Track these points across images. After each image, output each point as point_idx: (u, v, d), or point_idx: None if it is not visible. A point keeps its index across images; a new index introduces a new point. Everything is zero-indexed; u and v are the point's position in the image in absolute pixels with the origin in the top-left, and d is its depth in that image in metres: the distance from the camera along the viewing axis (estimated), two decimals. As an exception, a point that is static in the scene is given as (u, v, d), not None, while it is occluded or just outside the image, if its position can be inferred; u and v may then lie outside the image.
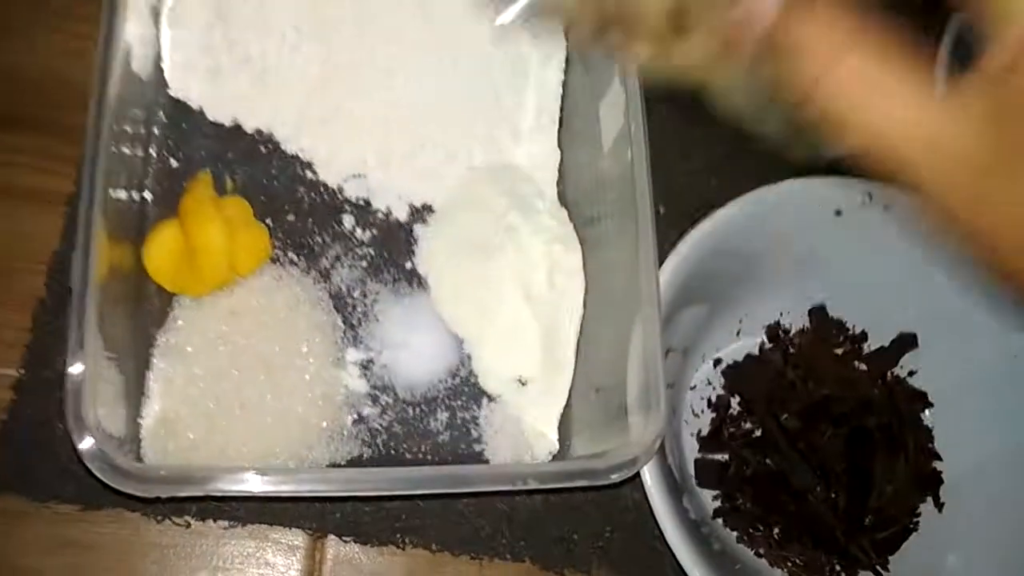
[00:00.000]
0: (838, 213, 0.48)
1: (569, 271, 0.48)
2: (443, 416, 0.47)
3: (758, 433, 0.48)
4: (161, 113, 0.48)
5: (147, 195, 0.46)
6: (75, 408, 0.35)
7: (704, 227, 0.45)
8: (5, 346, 0.45)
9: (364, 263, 0.49)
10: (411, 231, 0.50)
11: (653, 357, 0.40)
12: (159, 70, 0.48)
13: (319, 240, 0.48)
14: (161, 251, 0.43)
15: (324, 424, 0.44)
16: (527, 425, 0.46)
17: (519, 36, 0.51)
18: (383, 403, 0.46)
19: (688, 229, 0.45)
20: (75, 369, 0.36)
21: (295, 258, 0.48)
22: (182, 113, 0.48)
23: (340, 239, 0.49)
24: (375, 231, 0.49)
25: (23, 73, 0.49)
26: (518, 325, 0.48)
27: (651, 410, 0.39)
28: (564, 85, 0.52)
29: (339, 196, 0.49)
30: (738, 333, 0.52)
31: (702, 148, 0.55)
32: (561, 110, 0.52)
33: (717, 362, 0.51)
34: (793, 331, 0.52)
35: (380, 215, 0.50)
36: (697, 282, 0.46)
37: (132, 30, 0.44)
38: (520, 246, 0.49)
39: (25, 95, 0.49)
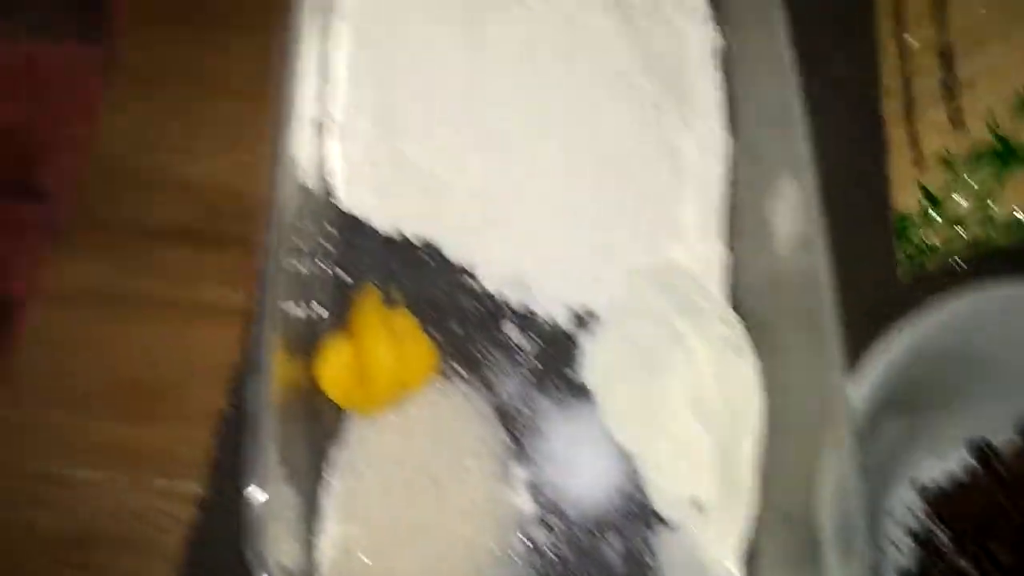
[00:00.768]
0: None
1: (744, 383, 0.45)
2: (615, 542, 0.44)
3: (970, 570, 0.43)
4: (330, 226, 0.49)
5: (318, 309, 0.47)
6: (254, 543, 0.35)
7: (910, 332, 0.41)
8: (185, 462, 0.46)
9: (528, 374, 0.47)
10: (574, 339, 0.48)
11: (850, 488, 0.37)
12: (329, 184, 0.49)
13: (482, 350, 0.48)
14: (333, 367, 0.43)
15: (493, 547, 0.43)
16: (707, 555, 0.43)
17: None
18: (551, 525, 0.44)
19: (875, 334, 0.42)
20: (255, 498, 0.36)
21: (460, 370, 0.47)
22: (350, 225, 0.49)
23: (503, 348, 0.48)
24: (538, 339, 0.48)
25: (202, 189, 0.51)
26: (690, 441, 0.45)
27: (850, 551, 0.36)
28: (729, 180, 0.51)
29: (501, 303, 0.49)
30: (940, 453, 0.47)
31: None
32: (730, 205, 0.51)
33: (918, 486, 0.46)
34: (1003, 450, 0.47)
35: (542, 322, 0.49)
36: (898, 394, 0.42)
37: (302, 145, 0.46)
38: (689, 355, 0.46)
39: (203, 210, 0.51)
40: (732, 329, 0.47)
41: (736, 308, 0.48)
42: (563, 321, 0.48)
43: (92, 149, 0.50)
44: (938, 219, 0.49)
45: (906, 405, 0.44)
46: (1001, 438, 0.47)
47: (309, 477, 0.44)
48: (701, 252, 0.49)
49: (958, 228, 0.49)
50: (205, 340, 0.48)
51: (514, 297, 0.49)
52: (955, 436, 0.47)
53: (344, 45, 0.49)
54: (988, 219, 0.48)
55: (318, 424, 0.45)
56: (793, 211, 0.42)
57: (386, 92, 0.48)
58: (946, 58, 0.51)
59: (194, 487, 0.45)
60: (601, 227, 0.48)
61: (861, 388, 0.40)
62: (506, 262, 0.49)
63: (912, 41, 0.53)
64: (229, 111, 0.52)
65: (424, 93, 0.48)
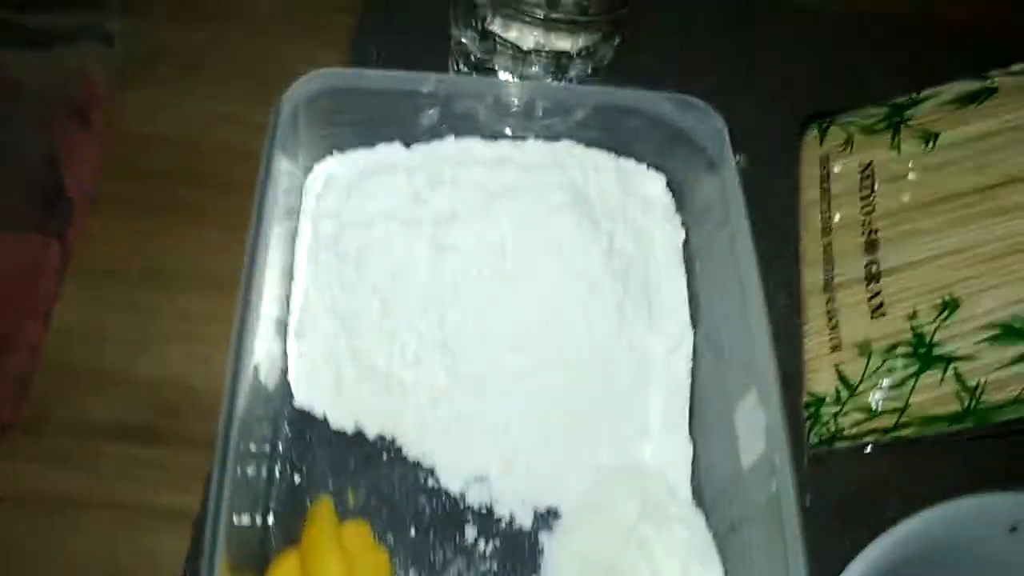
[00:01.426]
0: (1013, 529, 0.43)
1: (712, 599, 0.44)
2: None
3: None
4: (286, 425, 0.48)
5: (269, 518, 0.45)
6: None
7: (875, 549, 0.40)
8: None
9: (488, 581, 0.46)
10: (536, 541, 0.47)
11: None
12: (285, 382, 0.48)
13: (440, 556, 0.46)
14: (281, 587, 0.42)
15: None
16: None
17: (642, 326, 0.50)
18: None
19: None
20: None
21: (415, 578, 0.46)
22: (306, 424, 0.48)
23: (462, 553, 0.46)
24: (498, 542, 0.46)
25: (153, 384, 0.50)
26: (656, 658, 0.44)
27: None
28: (693, 374, 0.50)
29: (461, 504, 0.47)
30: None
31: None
32: (691, 399, 0.50)
33: None
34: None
35: (503, 523, 0.47)
36: None
37: (259, 343, 0.45)
38: (654, 565, 0.45)
39: (155, 406, 0.49)
40: (698, 537, 0.45)
41: (701, 503, 0.47)
42: (525, 521, 0.47)
43: (44, 345, 0.49)
44: (851, 405, 0.49)
45: None
46: None
47: None
48: (667, 447, 0.48)
49: (870, 416, 0.48)
50: (154, 549, 0.46)
51: (475, 497, 0.47)
52: None
53: (308, 246, 0.49)
54: (900, 411, 0.48)
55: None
56: (756, 425, 0.42)
57: (347, 292, 0.48)
58: (870, 241, 0.52)
59: None
60: (567, 425, 0.47)
61: None
62: (468, 461, 0.47)
63: (836, 215, 0.54)
64: (185, 304, 0.52)
65: (385, 294, 0.47)
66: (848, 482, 0.51)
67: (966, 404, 0.46)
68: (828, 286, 0.52)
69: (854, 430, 0.49)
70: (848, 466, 0.51)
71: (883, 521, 0.49)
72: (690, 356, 0.50)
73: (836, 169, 0.55)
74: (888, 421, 0.48)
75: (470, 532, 0.47)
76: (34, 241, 0.49)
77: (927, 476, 0.51)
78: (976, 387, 0.46)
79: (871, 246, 0.52)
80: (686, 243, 0.52)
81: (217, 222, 0.53)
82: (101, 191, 0.55)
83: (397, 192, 0.48)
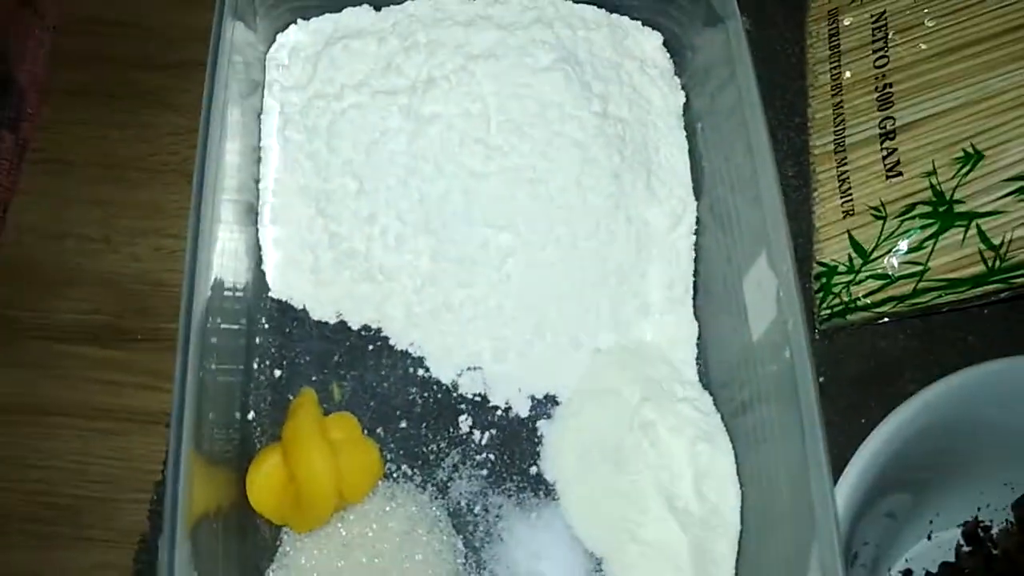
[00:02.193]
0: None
1: (720, 477, 0.41)
2: (583, 656, 0.41)
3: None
4: (263, 319, 0.45)
5: (250, 415, 0.43)
6: None
7: (904, 413, 0.38)
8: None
9: (484, 471, 0.43)
10: (535, 429, 0.44)
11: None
12: (259, 272, 0.45)
13: (434, 448, 0.44)
14: (264, 484, 0.39)
15: (447, 674, 0.39)
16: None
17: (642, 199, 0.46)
18: (514, 641, 0.41)
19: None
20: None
21: (409, 471, 0.43)
22: (285, 315, 0.45)
23: (457, 444, 0.44)
24: (494, 431, 0.44)
25: (124, 282, 0.47)
26: (663, 542, 0.41)
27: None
28: (696, 248, 0.47)
29: (454, 393, 0.45)
30: (930, 536, 0.44)
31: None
32: (695, 275, 0.47)
33: (907, 572, 0.43)
34: (995, 529, 0.44)
35: (499, 412, 0.44)
36: (889, 480, 0.39)
37: (227, 230, 0.42)
38: (659, 446, 0.42)
39: (126, 305, 0.46)
40: (705, 417, 0.43)
41: (708, 386, 0.45)
42: (522, 409, 0.45)
43: (1, 244, 0.46)
44: (865, 272, 0.46)
45: (894, 491, 0.41)
46: (992, 517, 0.45)
47: (243, 604, 0.40)
48: (670, 327, 0.46)
49: (886, 283, 0.45)
50: (130, 451, 0.44)
51: (468, 386, 0.45)
52: (946, 516, 0.44)
53: (275, 123, 0.45)
54: (919, 276, 0.45)
55: (251, 540, 0.41)
56: (767, 291, 0.39)
57: (320, 172, 0.44)
58: (884, 97, 0.48)
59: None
60: (561, 307, 0.44)
61: (858, 464, 0.37)
62: (459, 349, 0.44)
63: (846, 72, 0.50)
64: (150, 195, 0.48)
65: (361, 172, 0.43)
66: (862, 357, 0.48)
67: (990, 264, 0.43)
68: (839, 148, 0.48)
69: (868, 299, 0.46)
70: (861, 340, 0.49)
71: (901, 397, 0.47)
72: (693, 228, 0.46)
73: (846, 22, 0.51)
74: (906, 287, 0.45)
75: (464, 422, 0.44)
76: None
77: (945, 348, 0.48)
78: (1001, 245, 0.42)
79: (885, 101, 0.47)
80: (686, 107, 0.48)
81: (180, 107, 0.50)
82: (53, 79, 0.51)
83: (368, 59, 0.44)
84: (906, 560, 0.44)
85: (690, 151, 0.47)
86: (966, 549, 0.43)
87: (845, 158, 0.48)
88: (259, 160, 0.45)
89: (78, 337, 0.45)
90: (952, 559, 0.44)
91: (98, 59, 0.51)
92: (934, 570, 0.43)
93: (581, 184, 0.43)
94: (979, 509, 0.44)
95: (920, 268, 0.44)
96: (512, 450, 0.44)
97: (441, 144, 0.43)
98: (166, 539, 0.32)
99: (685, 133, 0.47)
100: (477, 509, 0.43)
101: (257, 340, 0.44)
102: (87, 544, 0.42)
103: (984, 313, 0.48)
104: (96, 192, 0.48)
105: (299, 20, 0.46)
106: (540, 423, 0.44)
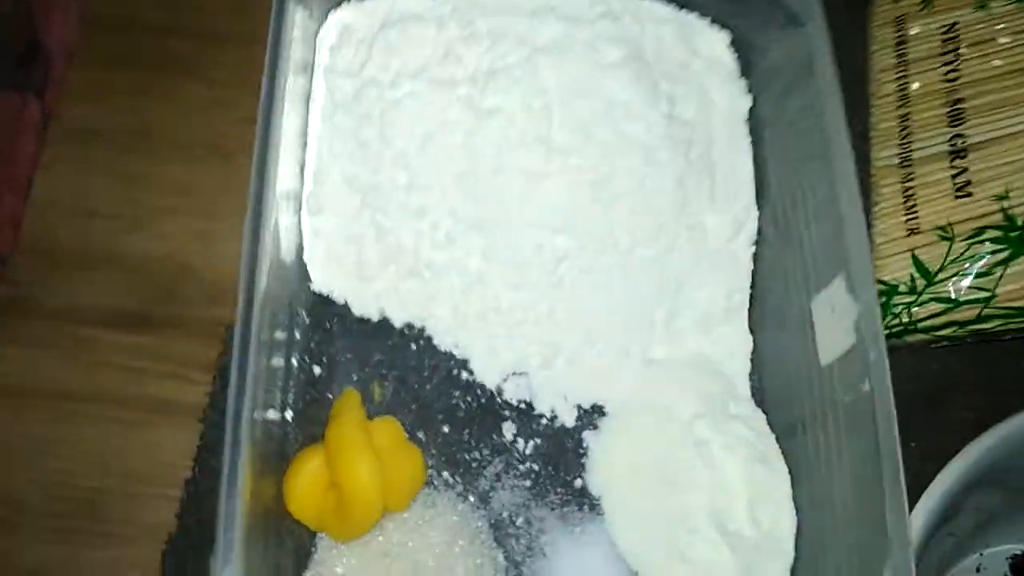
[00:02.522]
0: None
1: (776, 501, 0.40)
2: None
3: None
4: (303, 312, 0.42)
5: (287, 413, 0.41)
6: None
7: (973, 451, 0.37)
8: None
9: (527, 482, 0.42)
10: (580, 440, 0.43)
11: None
12: (300, 264, 0.43)
13: (477, 455, 0.42)
14: (305, 490, 0.37)
15: None
16: None
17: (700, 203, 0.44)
18: (555, 662, 0.39)
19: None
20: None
21: (450, 479, 0.41)
22: (325, 310, 0.43)
23: (500, 452, 0.42)
24: (539, 440, 0.43)
25: (149, 264, 0.45)
26: (712, 564, 0.40)
27: None
28: (756, 259, 0.45)
29: (498, 399, 0.43)
30: (978, 569, 0.43)
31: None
32: (752, 287, 0.45)
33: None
34: (1048, 565, 0.43)
35: (544, 421, 0.43)
36: (959, 507, 0.38)
37: (272, 219, 0.39)
38: (713, 466, 0.41)
39: (154, 289, 0.44)
40: (761, 437, 0.41)
41: (762, 404, 0.43)
42: (568, 419, 0.43)
43: (24, 219, 0.43)
44: (928, 294, 0.44)
45: (972, 510, 0.40)
46: None
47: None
48: (726, 340, 0.44)
49: (949, 307, 0.44)
50: (155, 444, 0.42)
51: (513, 392, 0.43)
52: (995, 551, 0.44)
53: (323, 107, 0.42)
54: (985, 302, 0.43)
55: (285, 546, 0.39)
56: (842, 316, 0.37)
57: (369, 162, 0.42)
58: (955, 112, 0.46)
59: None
60: (615, 314, 0.42)
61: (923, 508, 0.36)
62: (506, 353, 0.42)
63: (914, 82, 0.48)
64: (181, 173, 0.46)
65: (414, 165, 0.41)
66: (913, 379, 0.47)
67: (1061, 295, 0.42)
68: (905, 163, 0.47)
69: (930, 322, 0.44)
70: (914, 362, 0.47)
71: (951, 423, 0.46)
72: (753, 239, 0.44)
73: (914, 31, 0.49)
74: (970, 313, 0.43)
75: (508, 430, 0.43)
76: (10, 100, 0.42)
77: (998, 375, 0.47)
78: (1073, 276, 0.41)
79: (956, 117, 0.46)
80: (751, 111, 0.45)
81: (214, 79, 0.47)
82: (82, 45, 0.48)
83: (426, 46, 0.41)
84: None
85: (754, 158, 0.45)
86: (1013, 580, 0.43)
87: (911, 173, 0.46)
88: (304, 145, 0.43)
89: (102, 321, 0.43)
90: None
91: (131, 26, 0.49)
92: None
93: (644, 188, 0.41)
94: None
95: (987, 294, 0.43)
96: (557, 461, 0.42)
97: (501, 140, 0.40)
98: (220, 549, 0.30)
99: (750, 139, 0.45)
100: (519, 521, 0.41)
101: (296, 335, 0.42)
102: (106, 540, 0.40)
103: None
104: (123, 165, 0.46)
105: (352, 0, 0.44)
106: (586, 434, 0.43)
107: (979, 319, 0.43)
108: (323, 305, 0.43)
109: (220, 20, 0.49)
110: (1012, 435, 0.37)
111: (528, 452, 0.42)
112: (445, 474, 0.41)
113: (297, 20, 0.41)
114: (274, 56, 0.37)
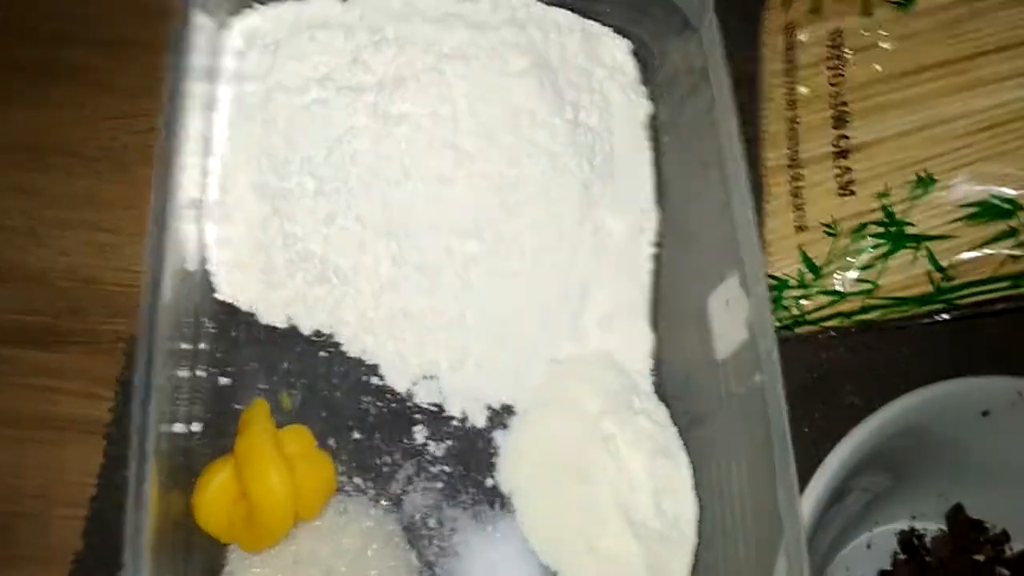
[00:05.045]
0: (985, 414, 0.42)
1: (678, 491, 0.42)
2: (540, 673, 0.40)
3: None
4: (208, 322, 0.42)
5: (194, 426, 0.40)
6: None
7: (858, 435, 0.39)
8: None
9: (439, 484, 0.42)
10: (491, 440, 0.43)
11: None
12: (204, 273, 0.42)
13: (388, 459, 0.42)
14: (214, 502, 0.37)
15: None
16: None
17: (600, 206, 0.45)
18: (471, 660, 0.40)
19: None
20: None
21: (362, 484, 0.42)
22: (231, 319, 0.42)
23: (412, 455, 0.43)
24: (451, 442, 0.43)
25: (53, 278, 0.44)
26: (620, 555, 0.41)
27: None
28: (656, 259, 0.46)
29: (409, 403, 0.43)
30: (869, 546, 0.45)
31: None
32: (653, 286, 0.46)
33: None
34: (928, 538, 0.46)
35: (455, 423, 0.43)
36: (846, 490, 0.40)
37: (176, 228, 0.39)
38: (619, 460, 0.42)
39: (58, 304, 0.43)
40: (664, 430, 0.43)
41: (664, 398, 0.45)
42: (478, 420, 0.44)
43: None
44: (815, 287, 0.47)
45: (841, 507, 0.42)
46: (926, 526, 0.47)
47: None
48: (629, 338, 0.45)
49: (835, 299, 0.46)
50: (64, 462, 0.41)
51: (424, 395, 0.43)
52: (885, 527, 0.46)
53: (229, 114, 0.42)
54: (867, 293, 0.46)
55: (195, 562, 0.38)
56: (735, 312, 0.39)
57: (276, 169, 0.42)
58: (840, 115, 0.48)
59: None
60: (523, 315, 0.43)
61: (825, 473, 0.38)
62: (416, 357, 0.43)
63: (801, 87, 0.50)
64: (82, 185, 0.45)
65: (321, 171, 0.41)
66: (804, 368, 0.50)
67: (937, 285, 0.44)
68: (793, 163, 0.49)
69: (817, 314, 0.46)
70: (804, 352, 0.50)
71: (841, 408, 0.48)
72: (653, 240, 0.46)
73: (802, 38, 0.51)
74: (854, 304, 0.46)
75: (420, 433, 0.43)
76: None
77: (883, 361, 0.50)
78: (948, 267, 0.44)
79: (840, 120, 0.48)
80: (651, 117, 0.47)
81: (116, 87, 0.46)
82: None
83: (334, 52, 0.42)
84: (846, 568, 0.45)
85: (653, 162, 0.47)
86: (902, 557, 0.45)
87: (799, 173, 0.48)
88: (209, 152, 0.42)
89: (7, 339, 0.42)
90: (888, 567, 0.46)
91: (25, 32, 0.47)
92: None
93: (550, 194, 0.42)
94: (914, 518, 0.46)
95: (870, 286, 0.45)
96: (468, 462, 0.43)
97: (408, 146, 0.41)
98: (129, 565, 0.30)
99: (650, 144, 0.47)
100: (432, 523, 0.42)
101: (201, 345, 0.41)
102: (18, 563, 0.39)
103: (922, 330, 0.50)
104: (25, 179, 0.44)
105: (257, 5, 0.43)
106: (496, 434, 0.44)
107: (863, 310, 0.46)
108: (229, 314, 0.42)
109: (121, 27, 0.47)
110: (895, 418, 0.40)
111: (440, 454, 0.43)
112: (357, 479, 0.42)
113: (201, 26, 0.40)
114: (177, 63, 0.37)
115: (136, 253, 0.35)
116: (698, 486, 0.42)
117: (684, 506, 0.42)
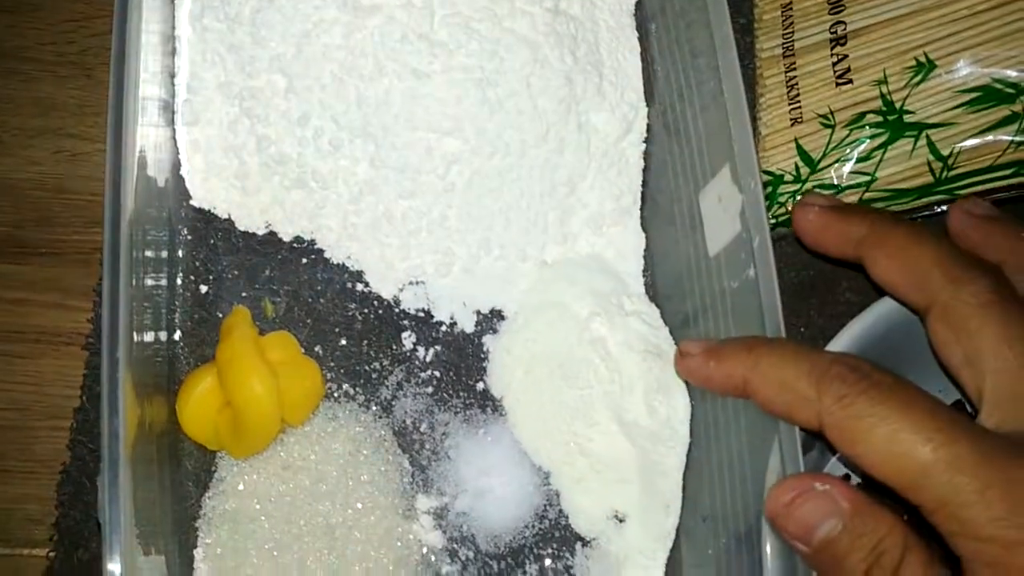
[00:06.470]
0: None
1: (670, 391, 0.41)
2: (532, 569, 0.40)
3: None
4: (184, 229, 0.41)
5: (176, 335, 0.40)
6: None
7: (854, 328, 0.39)
8: (33, 523, 0.39)
9: (429, 389, 0.42)
10: (481, 344, 0.43)
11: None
12: (178, 178, 0.41)
13: (376, 365, 0.42)
14: (198, 410, 0.36)
15: (398, 593, 0.38)
16: (630, 572, 0.40)
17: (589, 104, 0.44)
18: (463, 558, 0.40)
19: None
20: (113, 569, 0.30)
21: (351, 390, 0.41)
22: (207, 225, 0.41)
23: (401, 361, 0.42)
24: (439, 348, 0.43)
25: (21, 188, 0.42)
26: (613, 455, 0.41)
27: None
28: (645, 156, 0.45)
29: (396, 309, 0.43)
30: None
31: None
32: (643, 184, 0.45)
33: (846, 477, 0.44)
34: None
35: (444, 328, 0.43)
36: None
37: (143, 131, 0.37)
38: (610, 361, 0.42)
39: (27, 214, 0.42)
40: (654, 331, 0.42)
41: (655, 299, 0.44)
42: (467, 325, 0.43)
43: None
44: (812, 182, 0.45)
45: None
46: None
47: (177, 533, 0.38)
48: (617, 239, 0.44)
49: (833, 192, 0.45)
50: (41, 375, 0.40)
51: (411, 301, 0.43)
52: None
53: (191, 10, 0.40)
54: (866, 186, 0.44)
55: (183, 468, 0.39)
56: (728, 206, 0.37)
57: (244, 66, 0.40)
58: (835, 1, 0.46)
59: (40, 555, 0.38)
60: (508, 219, 0.42)
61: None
62: (400, 262, 0.42)
63: None
64: (47, 90, 0.43)
65: (291, 68, 0.39)
66: (801, 267, 0.49)
67: (938, 175, 0.43)
68: (788, 53, 0.47)
69: None
70: (800, 249, 0.48)
71: (837, 305, 0.47)
72: (643, 136, 0.44)
73: (797, -83, 0.49)
74: (852, 197, 0.44)
75: (408, 339, 0.43)
76: None
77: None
78: (949, 156, 0.42)
79: (836, 5, 0.46)
80: (637, 6, 0.45)
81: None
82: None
83: (299, -61, 0.39)
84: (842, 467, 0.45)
85: (641, 54, 0.45)
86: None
87: (794, 63, 0.46)
88: (173, 52, 0.40)
89: (-28, 250, 0.41)
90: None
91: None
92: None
93: (531, 87, 0.40)
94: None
95: (868, 178, 0.44)
96: (458, 366, 0.42)
97: (381, 39, 0.39)
98: (105, 474, 0.30)
99: (637, 35, 0.44)
100: (423, 427, 0.41)
101: (179, 253, 0.40)
102: (3, 476, 0.39)
103: (922, 222, 0.48)
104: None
105: None
106: (486, 338, 0.43)
107: (861, 203, 0.45)
108: (205, 221, 0.41)
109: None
110: (890, 312, 0.39)
111: (429, 359, 0.42)
112: (346, 386, 0.41)
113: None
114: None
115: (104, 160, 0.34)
116: (691, 386, 0.42)
117: (676, 405, 0.41)
